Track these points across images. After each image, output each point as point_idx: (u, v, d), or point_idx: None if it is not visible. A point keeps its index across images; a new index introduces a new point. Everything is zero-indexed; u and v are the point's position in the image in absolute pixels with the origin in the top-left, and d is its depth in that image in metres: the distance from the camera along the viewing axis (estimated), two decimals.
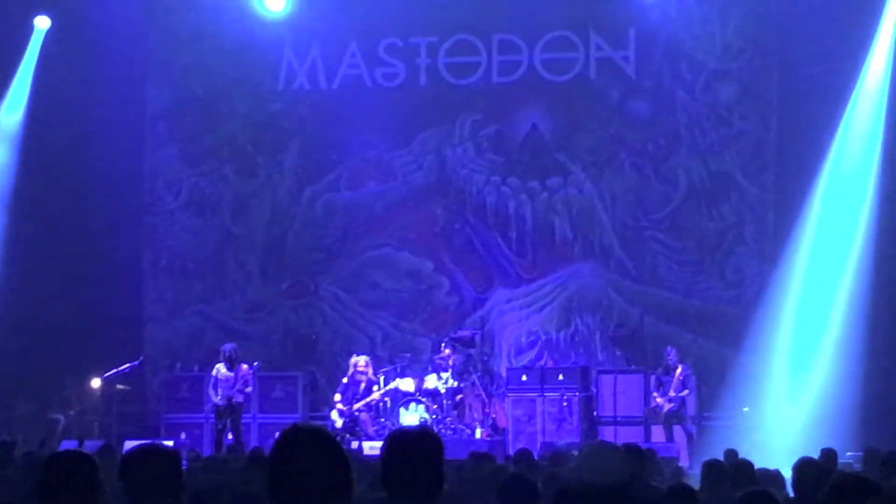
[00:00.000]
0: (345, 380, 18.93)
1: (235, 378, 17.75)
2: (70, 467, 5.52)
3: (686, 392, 18.14)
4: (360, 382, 18.69)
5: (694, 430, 18.15)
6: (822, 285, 18.89)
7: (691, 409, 18.48)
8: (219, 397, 17.74)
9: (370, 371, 18.92)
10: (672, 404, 18.05)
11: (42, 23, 20.67)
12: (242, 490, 8.18)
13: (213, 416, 18.01)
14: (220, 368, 17.90)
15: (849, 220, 18.76)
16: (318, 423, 17.23)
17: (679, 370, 18.21)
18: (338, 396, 18.83)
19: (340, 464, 4.28)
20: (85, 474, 5.45)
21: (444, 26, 21.37)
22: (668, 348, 18.78)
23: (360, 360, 18.99)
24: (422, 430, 4.94)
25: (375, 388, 18.82)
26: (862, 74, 19.00)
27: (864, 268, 18.50)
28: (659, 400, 18.24)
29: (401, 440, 4.77)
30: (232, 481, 9.05)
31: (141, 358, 20.35)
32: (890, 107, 18.76)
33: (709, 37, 20.27)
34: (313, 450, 4.30)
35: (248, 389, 18.16)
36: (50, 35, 20.82)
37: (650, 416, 18.41)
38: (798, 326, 19.20)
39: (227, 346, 18.24)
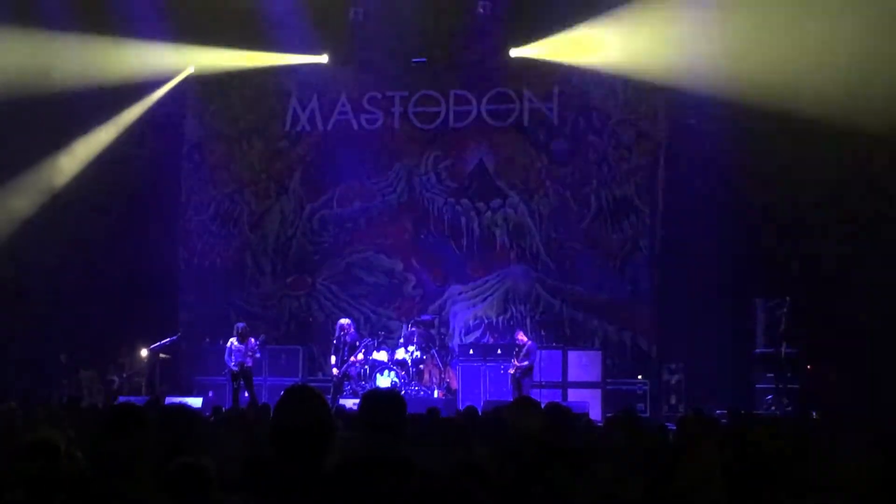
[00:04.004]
0: (334, 341, 18.77)
1: (245, 349, 17.71)
2: (125, 415, 5.48)
3: (527, 363, 17.98)
4: (347, 345, 18.50)
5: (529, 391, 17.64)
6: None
7: (535, 375, 18.26)
8: (233, 363, 17.69)
9: (352, 329, 18.81)
10: (515, 371, 17.95)
11: None
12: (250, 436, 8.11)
13: (229, 378, 17.94)
14: (234, 341, 17.87)
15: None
16: (313, 385, 17.08)
17: (525, 346, 18.13)
18: (332, 359, 18.64)
19: (326, 413, 4.30)
20: (137, 420, 5.42)
21: (413, 83, 21.34)
22: (518, 329, 18.86)
23: (344, 322, 18.89)
24: (390, 391, 4.89)
25: (358, 344, 18.67)
26: None
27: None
28: (511, 371, 18.12)
29: (373, 398, 4.73)
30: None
31: (178, 333, 20.31)
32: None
33: (613, 94, 20.30)
34: (305, 403, 4.31)
35: (257, 356, 18.16)
36: None
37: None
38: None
39: (240, 325, 18.24)
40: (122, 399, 16.41)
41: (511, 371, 18.10)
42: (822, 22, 16.52)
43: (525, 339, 18.35)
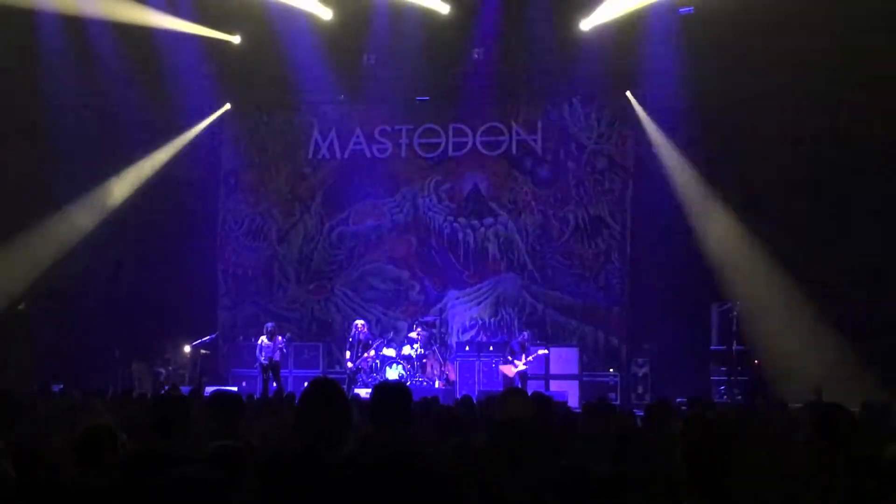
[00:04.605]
0: (350, 339, 18.75)
1: (274, 345, 17.66)
2: (174, 403, 5.51)
3: (530, 358, 17.90)
4: (361, 342, 18.45)
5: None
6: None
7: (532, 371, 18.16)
8: (263, 357, 17.65)
9: (366, 329, 18.76)
10: (525, 367, 17.84)
11: None
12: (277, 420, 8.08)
13: (259, 371, 17.89)
14: (264, 339, 17.81)
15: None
16: (332, 376, 17.04)
17: (528, 347, 18.03)
18: (347, 354, 18.62)
19: (344, 402, 4.28)
20: (183, 407, 5.44)
21: (418, 118, 21.34)
22: (524, 332, 18.67)
23: (359, 323, 18.83)
24: (398, 383, 4.88)
25: (370, 342, 18.64)
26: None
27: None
28: (518, 363, 17.82)
29: (383, 389, 4.72)
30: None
31: (216, 332, 20.30)
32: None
33: (589, 126, 20.32)
34: (327, 394, 4.30)
35: (284, 351, 18.14)
36: None
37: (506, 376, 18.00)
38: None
39: (269, 325, 18.17)
40: (168, 388, 16.41)
41: (520, 368, 17.78)
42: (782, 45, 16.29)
43: (526, 339, 18.25)
